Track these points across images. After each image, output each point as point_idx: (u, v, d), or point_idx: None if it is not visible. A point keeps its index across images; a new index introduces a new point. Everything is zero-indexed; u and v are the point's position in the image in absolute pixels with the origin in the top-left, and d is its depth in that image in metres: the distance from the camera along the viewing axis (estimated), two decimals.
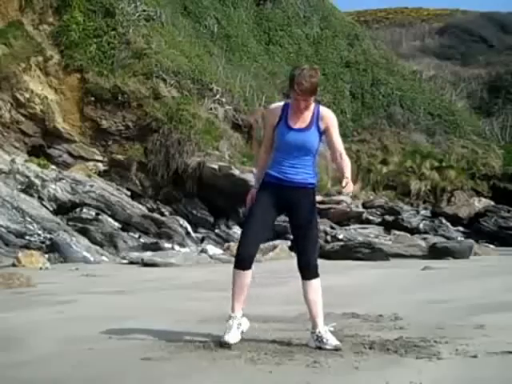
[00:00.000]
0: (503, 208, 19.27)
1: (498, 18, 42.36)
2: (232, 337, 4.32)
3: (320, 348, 4.29)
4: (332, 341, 4.33)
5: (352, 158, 23.06)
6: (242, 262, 4.41)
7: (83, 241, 12.85)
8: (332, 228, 16.06)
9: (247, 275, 4.42)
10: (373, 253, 12.90)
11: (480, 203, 20.28)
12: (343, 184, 4.30)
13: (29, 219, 13.52)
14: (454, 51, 38.39)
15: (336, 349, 4.25)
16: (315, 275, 4.49)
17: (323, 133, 4.49)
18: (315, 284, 4.49)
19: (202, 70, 19.18)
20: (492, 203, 20.34)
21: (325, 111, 4.54)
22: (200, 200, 17.29)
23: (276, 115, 4.52)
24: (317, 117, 4.47)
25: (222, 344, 4.28)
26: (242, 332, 4.41)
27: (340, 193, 20.20)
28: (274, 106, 4.72)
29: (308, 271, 4.47)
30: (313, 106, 4.51)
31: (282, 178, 4.45)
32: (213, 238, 15.84)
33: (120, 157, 17.62)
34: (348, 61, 26.20)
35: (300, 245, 4.53)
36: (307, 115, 4.47)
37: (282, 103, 4.65)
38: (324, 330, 4.41)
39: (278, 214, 4.59)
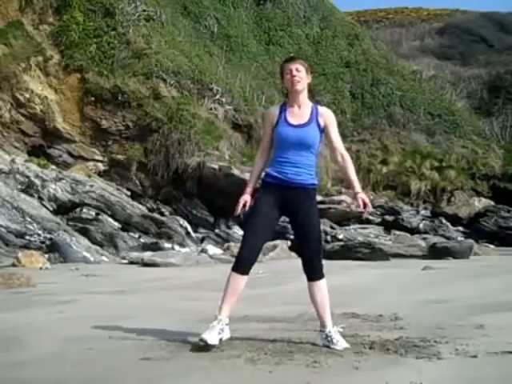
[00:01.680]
0: (503, 208, 19.26)
1: (498, 18, 42.40)
2: (211, 337, 4.21)
3: (328, 347, 4.30)
4: (342, 342, 4.34)
5: (352, 158, 22.88)
6: (242, 266, 4.37)
7: (83, 241, 12.85)
8: (332, 228, 16.06)
9: (243, 280, 4.37)
10: (373, 253, 12.89)
11: (480, 203, 20.28)
12: (359, 203, 4.40)
13: (29, 219, 13.52)
14: (454, 51, 38.42)
15: (345, 350, 4.25)
16: (320, 276, 4.46)
17: (323, 130, 4.49)
18: (321, 285, 4.47)
19: (201, 70, 19.18)
20: (492, 203, 20.34)
21: (324, 109, 4.57)
22: (200, 200, 17.29)
23: (274, 115, 4.53)
24: (316, 113, 4.49)
25: (200, 340, 4.19)
26: (221, 340, 4.29)
27: (340, 192, 20.24)
28: (271, 107, 4.80)
29: (313, 272, 4.45)
30: (310, 104, 4.53)
31: (283, 178, 4.42)
32: (213, 238, 15.84)
33: (120, 157, 17.62)
34: (348, 61, 26.22)
35: (303, 246, 4.50)
36: (306, 112, 4.49)
37: (276, 106, 4.68)
38: (334, 330, 4.42)
39: (280, 215, 4.55)
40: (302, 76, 4.48)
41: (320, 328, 4.46)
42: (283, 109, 4.54)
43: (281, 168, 4.44)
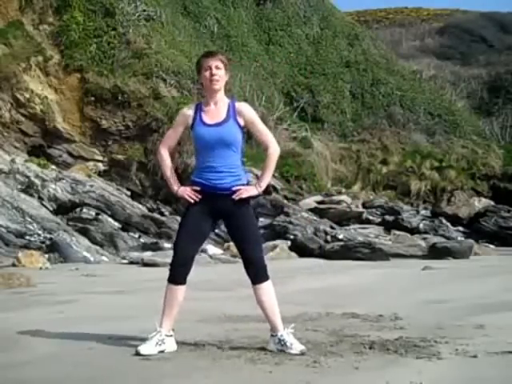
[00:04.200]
0: (503, 208, 19.24)
1: (498, 18, 42.35)
2: (145, 348, 4.16)
3: (283, 352, 4.19)
4: (297, 345, 4.22)
5: (352, 157, 23.09)
6: (175, 276, 4.28)
7: (83, 241, 12.84)
8: (332, 228, 16.05)
9: (180, 291, 4.29)
10: (373, 253, 12.89)
11: (480, 203, 20.26)
12: (241, 189, 4.25)
13: (29, 219, 13.52)
14: (454, 51, 38.39)
15: (302, 353, 4.15)
16: (265, 278, 4.30)
17: (244, 127, 4.34)
18: (267, 287, 4.31)
19: None
20: (492, 203, 20.31)
21: (241, 105, 4.39)
22: None
23: (189, 116, 4.37)
24: (233, 111, 4.32)
25: (135, 351, 4.17)
26: (163, 351, 4.19)
27: (340, 192, 20.25)
28: (186, 108, 4.54)
29: (256, 275, 4.29)
30: (227, 100, 4.36)
31: (208, 185, 4.28)
32: (213, 238, 15.82)
33: (120, 157, 17.62)
34: (348, 61, 26.19)
35: (243, 249, 4.32)
36: (223, 110, 4.32)
37: (193, 104, 4.52)
38: (286, 333, 4.28)
39: (215, 220, 4.42)
40: (221, 75, 4.32)
41: (271, 332, 4.32)
42: (199, 108, 4.38)
43: (204, 175, 4.30)
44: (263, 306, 4.34)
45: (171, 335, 4.31)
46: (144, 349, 4.17)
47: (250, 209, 4.40)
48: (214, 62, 4.33)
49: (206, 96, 4.42)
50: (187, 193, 4.34)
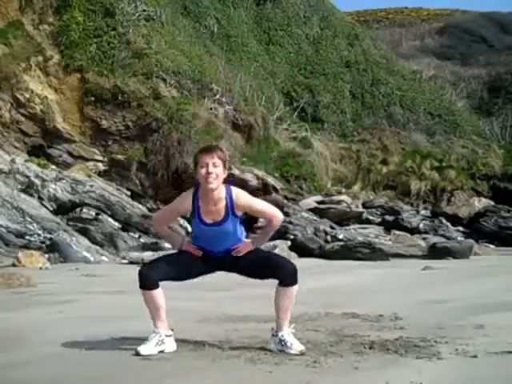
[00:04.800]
0: (503, 208, 19.26)
1: (498, 18, 42.37)
2: (145, 349, 4.18)
3: (283, 352, 4.19)
4: (297, 345, 4.21)
5: (352, 157, 23.10)
6: (143, 282, 4.29)
7: (83, 241, 12.84)
8: (332, 228, 16.05)
9: (156, 293, 4.28)
10: (373, 253, 12.89)
11: (480, 203, 20.27)
12: (239, 246, 4.31)
13: (29, 219, 13.52)
14: (454, 51, 38.40)
15: (301, 353, 4.14)
16: (295, 281, 4.25)
17: (240, 215, 4.33)
18: (293, 291, 4.26)
19: (201, 70, 19.18)
20: (492, 203, 20.33)
21: (238, 196, 4.26)
22: None
23: (188, 204, 4.30)
24: (231, 205, 4.23)
25: (135, 351, 4.19)
26: (163, 352, 4.21)
27: (340, 192, 20.26)
28: (181, 201, 4.37)
29: (287, 276, 4.22)
30: (224, 192, 4.23)
31: (206, 248, 4.34)
32: None
33: (120, 157, 17.61)
34: (348, 61, 26.20)
35: (266, 266, 4.28)
36: (221, 207, 4.22)
37: (190, 194, 4.31)
38: (287, 333, 4.28)
39: (211, 271, 4.49)
40: (218, 173, 4.16)
41: (272, 332, 4.32)
42: (196, 200, 4.26)
43: (204, 245, 4.36)
44: (281, 307, 4.29)
45: (171, 335, 4.31)
46: (144, 349, 4.18)
47: (252, 245, 4.44)
48: (212, 160, 4.18)
49: (203, 192, 4.25)
50: (192, 247, 4.39)
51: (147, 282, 4.27)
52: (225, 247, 4.35)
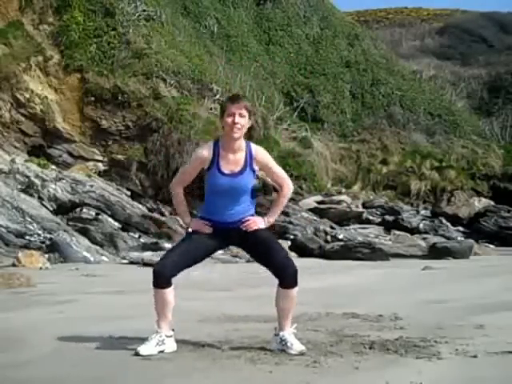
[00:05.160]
0: (503, 208, 19.26)
1: (498, 18, 42.35)
2: (145, 349, 4.17)
3: (284, 351, 4.19)
4: (297, 345, 4.22)
5: (352, 157, 23.10)
6: (157, 280, 4.23)
7: (83, 241, 12.83)
8: (332, 228, 16.06)
9: (167, 293, 4.24)
10: (373, 253, 12.89)
11: (480, 203, 20.28)
12: (249, 220, 4.30)
13: (29, 219, 13.52)
14: (454, 51, 38.38)
15: (301, 353, 4.14)
16: (295, 284, 4.25)
17: (257, 171, 4.37)
18: (293, 293, 4.25)
19: (201, 70, 19.18)
20: (492, 203, 20.33)
21: (258, 151, 4.36)
22: (200, 200, 17.27)
23: (206, 160, 4.30)
24: (250, 157, 4.30)
25: (135, 352, 4.18)
26: (163, 352, 4.20)
27: (340, 192, 20.26)
28: (202, 148, 4.39)
29: (287, 278, 4.21)
30: (244, 144, 4.32)
31: (219, 220, 4.32)
32: None
33: (120, 157, 17.62)
34: (348, 61, 26.20)
35: (271, 258, 4.27)
36: (240, 158, 4.28)
37: (210, 144, 4.36)
38: (288, 333, 4.29)
39: (221, 247, 4.51)
40: (243, 123, 4.22)
41: (274, 332, 4.33)
42: (217, 151, 4.29)
43: (214, 215, 4.35)
44: (282, 309, 4.30)
45: (171, 335, 4.31)
46: (144, 349, 4.18)
47: (264, 228, 4.42)
48: (239, 109, 4.22)
49: (225, 141, 4.30)
50: (200, 224, 4.39)
51: (160, 280, 4.23)
52: (235, 218, 4.32)
